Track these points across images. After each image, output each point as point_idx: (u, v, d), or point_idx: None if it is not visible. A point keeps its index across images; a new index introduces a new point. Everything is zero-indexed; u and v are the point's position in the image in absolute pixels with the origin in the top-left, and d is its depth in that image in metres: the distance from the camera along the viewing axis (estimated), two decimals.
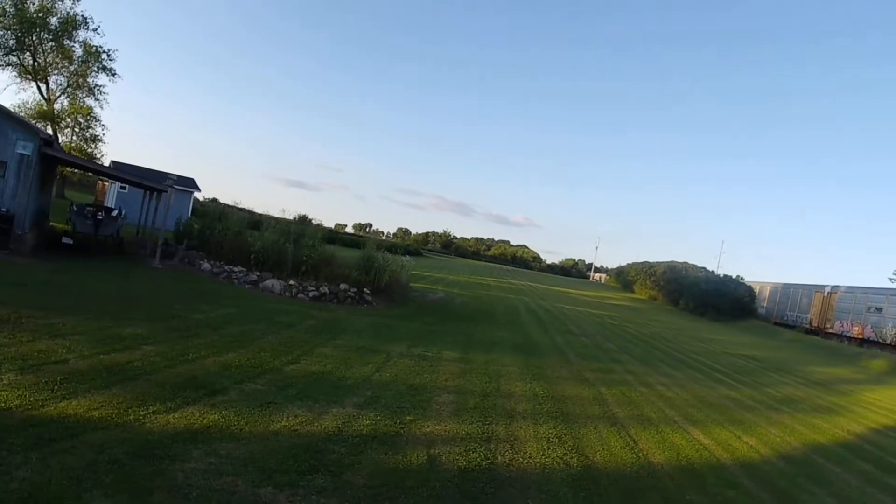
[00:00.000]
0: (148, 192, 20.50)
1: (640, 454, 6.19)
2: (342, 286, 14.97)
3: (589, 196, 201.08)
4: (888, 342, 29.52)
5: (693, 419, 8.51)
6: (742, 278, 49.17)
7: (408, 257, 22.61)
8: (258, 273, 14.70)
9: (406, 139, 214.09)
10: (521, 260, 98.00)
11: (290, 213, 23.19)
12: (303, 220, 22.88)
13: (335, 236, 45.85)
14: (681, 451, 6.61)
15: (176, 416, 4.77)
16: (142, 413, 4.66)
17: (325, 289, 14.58)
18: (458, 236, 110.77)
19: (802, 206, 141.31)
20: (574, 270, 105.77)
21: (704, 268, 55.91)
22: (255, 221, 20.25)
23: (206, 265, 14.96)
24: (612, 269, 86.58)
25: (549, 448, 5.81)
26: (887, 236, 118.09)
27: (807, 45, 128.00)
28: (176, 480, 3.61)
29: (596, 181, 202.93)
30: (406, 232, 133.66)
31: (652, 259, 62.93)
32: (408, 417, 6.01)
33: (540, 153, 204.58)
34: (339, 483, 4.03)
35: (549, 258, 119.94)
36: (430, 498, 4.09)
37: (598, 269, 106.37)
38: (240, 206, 26.58)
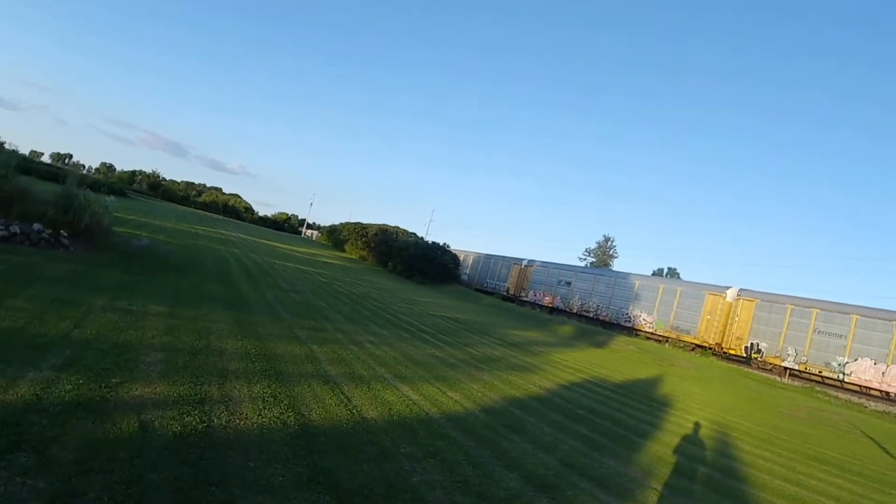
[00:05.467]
0: None
1: (355, 411, 7.03)
2: (36, 226, 12.99)
3: (307, 151, 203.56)
4: (574, 311, 38.47)
5: (402, 376, 9.84)
6: (448, 246, 56.61)
7: (112, 197, 20.19)
8: None
9: (120, 65, 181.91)
10: (232, 209, 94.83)
11: None
12: None
13: (30, 166, 37.99)
14: (392, 407, 7.63)
15: None
16: None
17: (16, 229, 12.50)
18: (169, 178, 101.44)
19: (507, 189, 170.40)
20: (287, 225, 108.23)
21: (415, 234, 62.75)
22: None
23: None
24: (325, 227, 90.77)
25: (265, 408, 6.28)
26: (577, 222, 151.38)
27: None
28: None
29: (315, 136, 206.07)
30: (111, 168, 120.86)
31: (365, 220, 67.93)
32: (114, 380, 5.87)
33: (266, 99, 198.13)
34: (45, 460, 3.96)
35: (263, 210, 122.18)
36: (146, 468, 4.23)
37: (311, 226, 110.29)
38: None
